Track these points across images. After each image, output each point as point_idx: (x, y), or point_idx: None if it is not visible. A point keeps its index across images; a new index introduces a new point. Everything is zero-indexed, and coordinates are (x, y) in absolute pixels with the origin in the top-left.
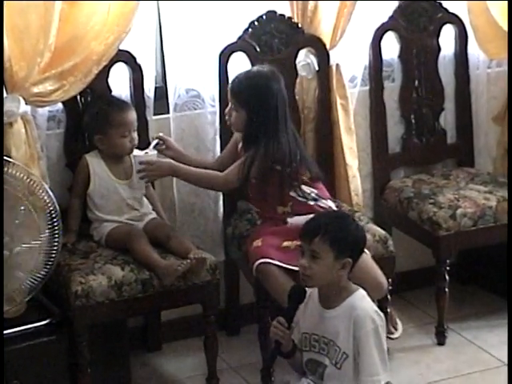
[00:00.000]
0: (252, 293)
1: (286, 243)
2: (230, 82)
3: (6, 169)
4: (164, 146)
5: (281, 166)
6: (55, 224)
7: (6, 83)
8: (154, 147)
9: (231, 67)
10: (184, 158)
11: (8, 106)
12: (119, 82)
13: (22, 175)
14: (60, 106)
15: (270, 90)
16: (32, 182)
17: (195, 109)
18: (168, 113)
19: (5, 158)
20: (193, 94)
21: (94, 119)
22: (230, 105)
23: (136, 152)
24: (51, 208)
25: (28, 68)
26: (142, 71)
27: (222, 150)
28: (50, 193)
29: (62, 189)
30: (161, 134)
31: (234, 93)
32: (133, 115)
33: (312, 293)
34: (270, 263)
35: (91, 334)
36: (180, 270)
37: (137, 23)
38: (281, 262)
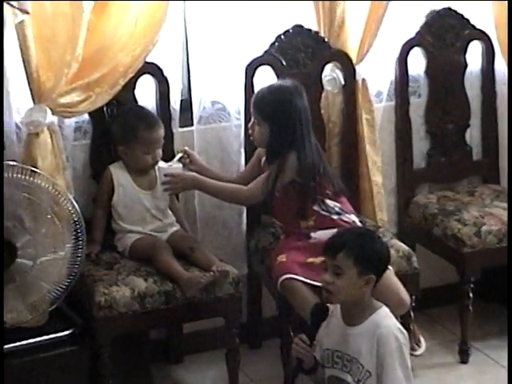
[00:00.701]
0: (274, 306)
1: (310, 259)
2: (253, 96)
3: (31, 178)
4: (188, 160)
5: (304, 179)
6: (79, 234)
7: (33, 93)
8: (179, 160)
9: (257, 80)
10: (208, 172)
11: (35, 116)
12: (145, 94)
13: (46, 185)
14: (86, 116)
15: (293, 104)
16: (57, 193)
17: (220, 121)
18: (192, 125)
19: (30, 167)
20: (218, 106)
21: (120, 130)
22: (252, 119)
23: (161, 164)
24: (75, 218)
25: (55, 78)
26: (168, 83)
27: (246, 162)
28: (75, 203)
29: (87, 199)
30: (186, 148)
31: (257, 107)
32: (160, 133)
33: (335, 309)
34: (294, 279)
35: (113, 345)
36: (203, 283)
37: (163, 35)
38: (305, 278)
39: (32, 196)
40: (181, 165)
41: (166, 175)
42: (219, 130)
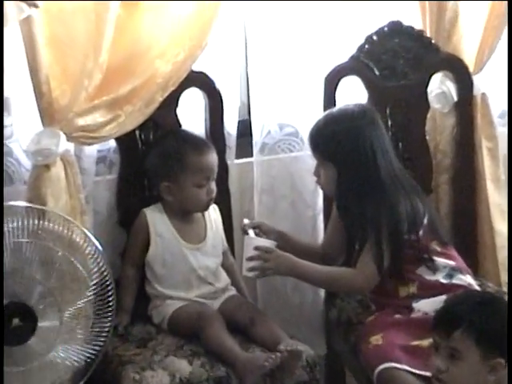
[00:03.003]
0: None
1: (415, 341)
2: (310, 131)
3: (37, 221)
4: (262, 235)
5: (399, 234)
6: (107, 300)
7: (42, 112)
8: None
9: (340, 96)
10: (287, 241)
11: (45, 143)
12: (191, 114)
13: (60, 228)
14: (113, 143)
15: (361, 134)
16: (79, 240)
17: (291, 150)
18: (252, 155)
19: (37, 206)
20: (288, 131)
21: (161, 160)
22: (316, 161)
23: (251, 233)
24: (102, 277)
25: (72, 93)
26: (221, 100)
27: (325, 208)
28: (101, 254)
29: (113, 253)
30: (246, 222)
31: (314, 144)
32: (213, 159)
33: None
34: (396, 368)
35: None
36: (267, 367)
37: (215, 38)
38: (411, 366)
39: (41, 242)
40: (275, 242)
41: (257, 248)
42: (289, 161)
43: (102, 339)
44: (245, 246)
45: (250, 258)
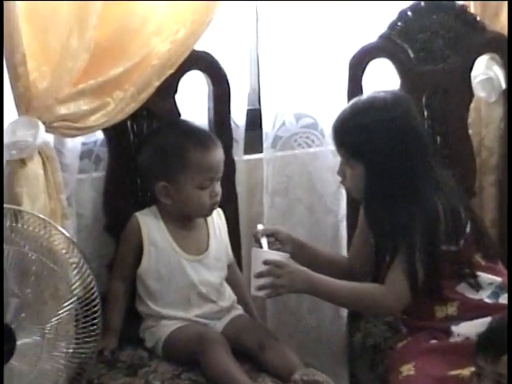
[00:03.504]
0: None
1: (454, 371)
2: (333, 123)
3: (9, 223)
4: (278, 244)
5: (436, 245)
6: (92, 318)
7: (17, 99)
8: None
9: (368, 81)
10: (306, 252)
11: (20, 134)
12: (192, 102)
13: (39, 232)
14: (100, 136)
15: (394, 127)
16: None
17: (309, 145)
18: (263, 150)
19: (11, 206)
20: (305, 122)
21: (157, 156)
22: (340, 158)
23: (264, 242)
24: (87, 291)
25: (53, 76)
26: (228, 85)
27: (350, 213)
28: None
29: (100, 264)
30: (260, 228)
31: (340, 140)
32: (219, 156)
33: None
34: None
35: None
36: None
37: (222, 12)
38: None
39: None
40: (287, 254)
41: (266, 263)
42: (306, 158)
43: (85, 365)
44: (252, 261)
45: (259, 275)
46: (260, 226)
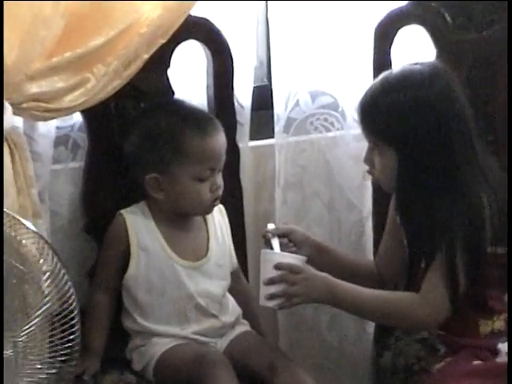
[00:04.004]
0: None
1: None
2: (359, 101)
3: None
4: (293, 246)
5: (482, 247)
6: (71, 337)
7: None
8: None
9: (397, 53)
10: (326, 256)
11: None
12: (189, 78)
13: (6, 231)
14: (78, 118)
15: (433, 107)
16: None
17: (328, 129)
18: (273, 136)
19: None
20: (323, 101)
21: (146, 143)
22: (368, 144)
23: (276, 244)
24: (64, 304)
25: (22, 48)
26: (231, 57)
27: (377, 210)
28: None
29: (78, 272)
30: (271, 227)
31: (368, 122)
32: (220, 142)
33: None
34: None
35: None
36: None
37: None
38: None
39: None
40: (304, 257)
41: (278, 267)
42: (324, 144)
43: None
44: (261, 265)
45: (270, 281)
46: (271, 226)
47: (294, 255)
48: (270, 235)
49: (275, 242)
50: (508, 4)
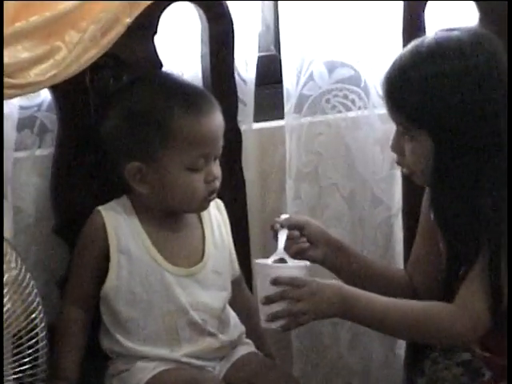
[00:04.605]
0: None
1: None
2: (385, 74)
3: None
4: (306, 242)
5: None
6: (36, 361)
7: None
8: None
9: (431, 18)
10: (346, 256)
11: None
12: (179, 47)
13: None
14: (47, 96)
15: (476, 81)
16: None
17: (348, 108)
18: (283, 117)
19: None
20: (342, 74)
21: (128, 125)
22: (396, 129)
23: (282, 238)
24: (28, 320)
25: None
26: (231, 22)
27: (407, 206)
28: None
29: (47, 282)
30: (282, 218)
31: (396, 100)
32: (218, 124)
33: None
34: None
35: None
36: None
37: None
38: None
39: None
40: (306, 263)
41: (275, 283)
42: (344, 127)
43: None
44: (258, 280)
45: (268, 300)
46: (283, 216)
47: (292, 264)
48: (278, 226)
49: (282, 235)
50: (508, 4)
